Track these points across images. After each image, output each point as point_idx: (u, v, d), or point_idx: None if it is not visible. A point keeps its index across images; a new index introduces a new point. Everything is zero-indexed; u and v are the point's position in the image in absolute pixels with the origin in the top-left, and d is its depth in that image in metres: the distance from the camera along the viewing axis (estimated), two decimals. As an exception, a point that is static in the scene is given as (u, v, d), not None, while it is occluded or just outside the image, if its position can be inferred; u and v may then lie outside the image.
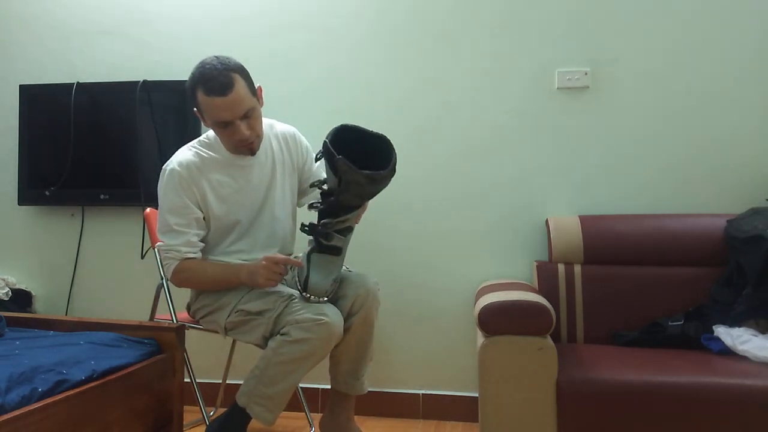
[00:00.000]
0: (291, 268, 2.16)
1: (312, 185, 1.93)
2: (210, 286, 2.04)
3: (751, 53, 2.40)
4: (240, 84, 1.90)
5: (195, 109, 1.98)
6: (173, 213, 1.97)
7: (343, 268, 2.03)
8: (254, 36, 2.68)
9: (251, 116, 1.94)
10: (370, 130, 1.88)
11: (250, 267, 1.95)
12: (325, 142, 1.80)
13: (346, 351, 1.97)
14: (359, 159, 1.77)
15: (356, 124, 1.88)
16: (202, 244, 2.03)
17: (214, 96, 1.88)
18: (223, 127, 1.93)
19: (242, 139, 1.95)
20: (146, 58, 2.78)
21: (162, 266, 2.07)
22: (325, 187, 1.86)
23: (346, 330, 1.92)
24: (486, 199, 2.55)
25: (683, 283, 2.23)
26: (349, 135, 1.84)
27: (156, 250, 2.11)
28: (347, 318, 1.92)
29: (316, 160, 1.87)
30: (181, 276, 2.00)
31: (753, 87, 2.40)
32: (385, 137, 1.86)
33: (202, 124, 2.04)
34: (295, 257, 2.20)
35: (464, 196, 2.57)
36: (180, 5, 2.76)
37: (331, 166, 1.78)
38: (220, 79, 1.88)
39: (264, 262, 1.91)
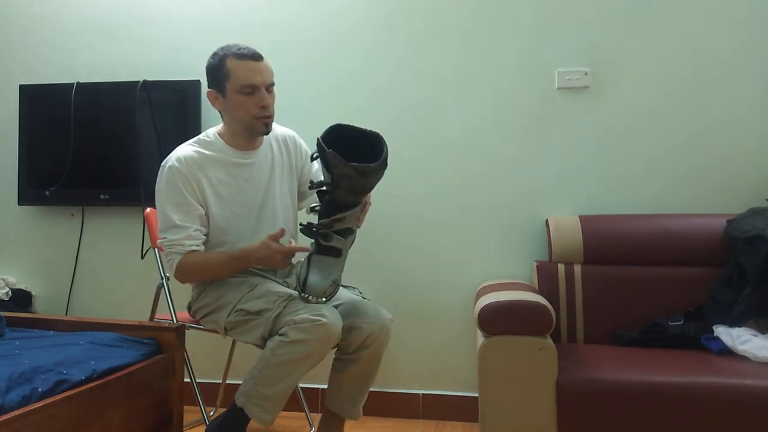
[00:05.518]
0: (295, 273, 2.16)
1: (311, 187, 1.93)
2: (215, 275, 2.02)
3: (752, 53, 2.40)
4: (266, 61, 2.03)
5: (212, 88, 2.01)
6: (175, 209, 1.96)
7: (359, 294, 2.04)
8: (254, 35, 2.68)
9: (272, 92, 2.03)
10: (364, 128, 1.88)
11: (258, 254, 1.93)
12: (317, 139, 1.81)
13: (350, 379, 1.98)
14: (355, 157, 1.78)
15: (350, 123, 1.88)
16: (205, 238, 2.01)
17: (248, 60, 1.97)
18: (249, 93, 1.97)
19: (266, 106, 1.99)
20: (146, 58, 2.79)
21: (164, 263, 2.05)
22: (323, 189, 1.87)
23: (354, 361, 1.94)
24: (486, 199, 2.55)
25: (683, 283, 2.23)
26: (344, 135, 1.85)
27: (156, 249, 2.11)
28: (357, 350, 1.93)
29: (312, 159, 1.88)
30: (185, 270, 1.97)
31: (753, 87, 2.40)
32: (377, 134, 1.86)
33: (213, 105, 2.03)
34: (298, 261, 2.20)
35: (464, 196, 2.56)
36: (180, 5, 2.76)
37: (323, 161, 1.79)
38: (251, 49, 2.00)
39: (278, 255, 1.91)
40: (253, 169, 2.07)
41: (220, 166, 2.03)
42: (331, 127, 1.85)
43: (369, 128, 1.88)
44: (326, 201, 1.84)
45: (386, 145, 1.84)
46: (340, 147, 1.78)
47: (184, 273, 1.98)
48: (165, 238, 1.97)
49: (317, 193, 1.89)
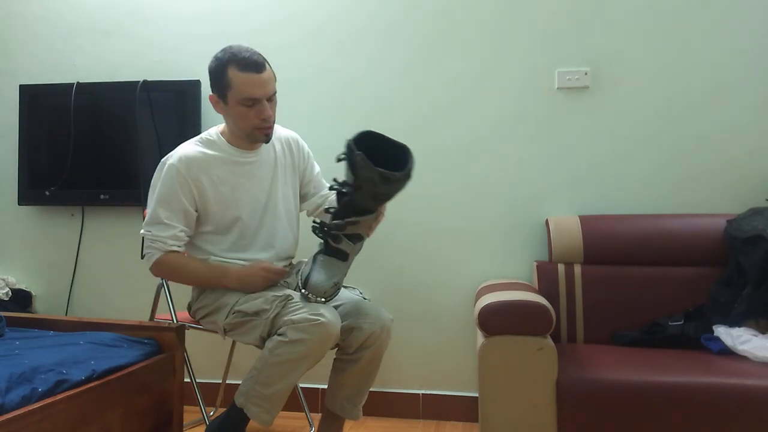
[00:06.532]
0: (296, 272, 2.15)
1: (331, 188, 1.93)
2: (189, 282, 2.08)
3: (750, 52, 2.40)
4: (269, 67, 1.99)
5: (214, 92, 2.00)
6: (165, 206, 1.98)
7: (360, 295, 2.05)
8: (257, 36, 2.68)
9: (273, 100, 2.02)
10: (393, 139, 1.89)
11: (240, 274, 1.98)
12: (347, 140, 1.81)
13: (351, 379, 1.98)
14: (380, 164, 1.78)
15: (380, 132, 1.89)
16: (188, 240, 2.05)
17: (250, 72, 1.93)
18: (250, 105, 1.95)
19: (266, 119, 1.98)
20: (146, 58, 2.79)
21: (143, 253, 2.06)
22: (343, 190, 1.87)
23: (354, 361, 1.94)
24: (486, 199, 2.55)
25: (683, 283, 2.23)
26: (372, 142, 1.85)
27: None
28: (358, 350, 1.94)
29: (338, 160, 1.87)
30: (162, 268, 2.01)
31: (752, 86, 2.40)
32: (406, 146, 1.87)
33: (215, 108, 2.02)
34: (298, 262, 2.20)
35: (464, 196, 2.57)
36: (180, 6, 2.76)
37: (350, 163, 1.80)
38: (254, 58, 1.95)
39: (262, 272, 1.98)
40: (255, 167, 2.08)
41: (222, 165, 2.03)
42: (361, 132, 1.86)
43: (398, 140, 1.88)
44: (344, 202, 1.85)
45: (413, 158, 1.84)
46: (366, 153, 1.78)
47: (160, 270, 2.03)
48: (150, 231, 2.00)
49: (336, 194, 1.89)
